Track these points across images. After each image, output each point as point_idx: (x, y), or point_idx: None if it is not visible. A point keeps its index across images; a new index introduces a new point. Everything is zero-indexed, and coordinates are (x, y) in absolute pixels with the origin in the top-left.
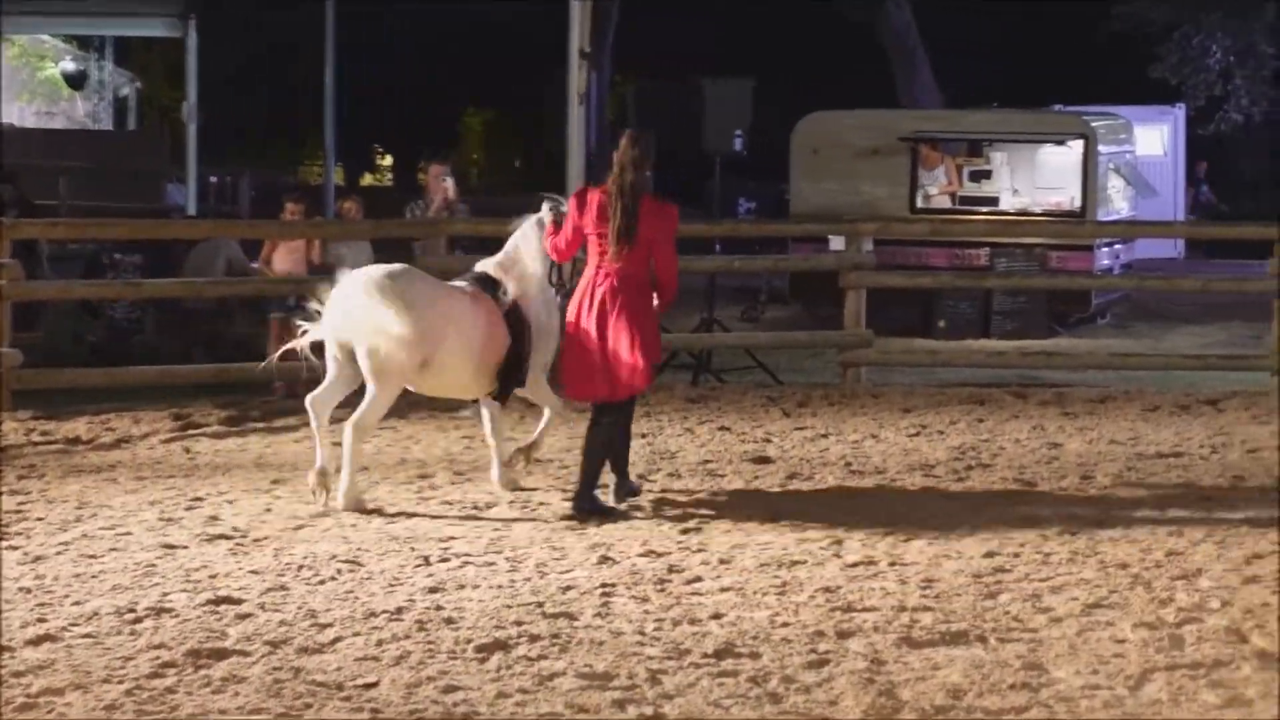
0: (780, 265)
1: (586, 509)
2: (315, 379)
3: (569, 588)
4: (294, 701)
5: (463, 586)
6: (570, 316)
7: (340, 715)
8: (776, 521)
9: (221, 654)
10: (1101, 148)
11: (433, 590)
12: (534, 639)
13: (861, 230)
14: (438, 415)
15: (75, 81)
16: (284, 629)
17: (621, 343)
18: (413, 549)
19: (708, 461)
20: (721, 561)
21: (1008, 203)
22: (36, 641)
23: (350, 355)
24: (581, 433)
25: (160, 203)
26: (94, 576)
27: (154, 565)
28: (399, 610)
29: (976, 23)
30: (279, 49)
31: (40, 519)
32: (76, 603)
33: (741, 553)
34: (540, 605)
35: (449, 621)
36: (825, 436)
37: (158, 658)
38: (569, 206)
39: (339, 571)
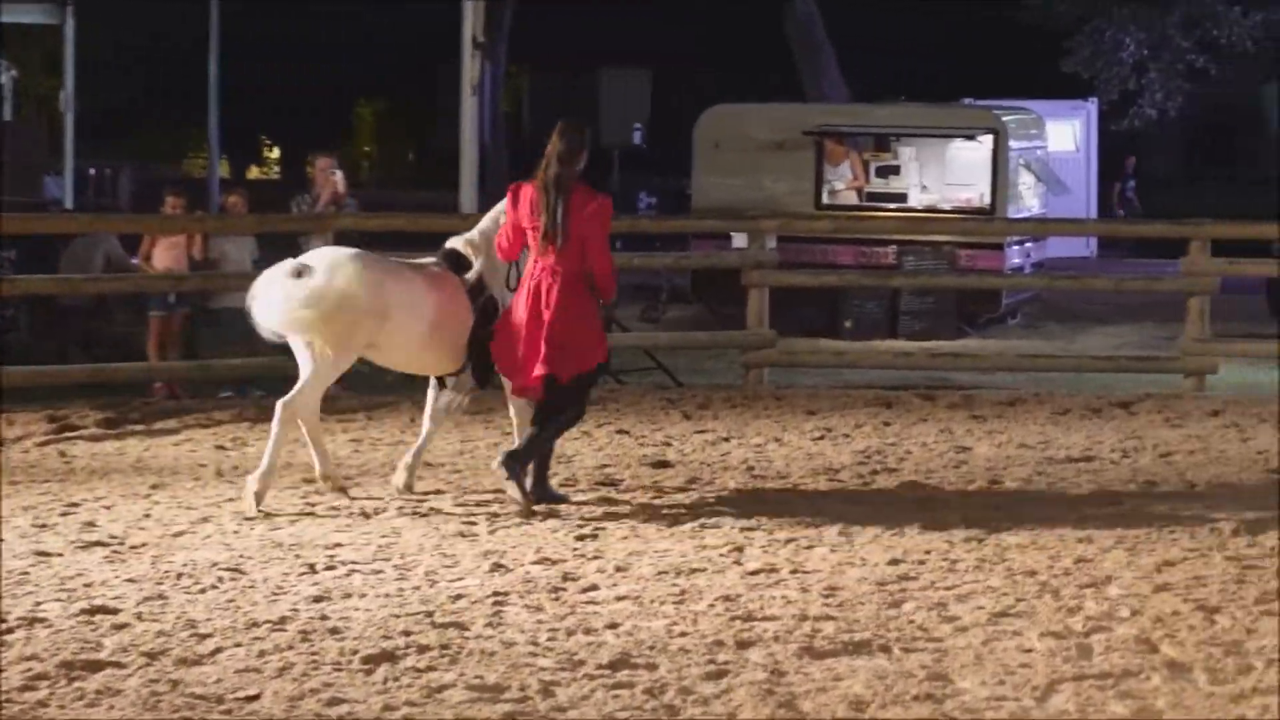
0: (681, 263)
1: (544, 498)
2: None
3: (460, 596)
4: (172, 715)
5: (349, 595)
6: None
7: None
8: (675, 528)
9: (96, 666)
10: (1012, 143)
11: (318, 599)
12: (423, 650)
13: (764, 227)
14: (325, 418)
15: None
16: (162, 640)
17: (556, 334)
18: (297, 556)
19: (605, 466)
20: (618, 569)
21: (916, 199)
22: None
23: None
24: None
25: (37, 195)
26: None
27: (27, 573)
28: (282, 620)
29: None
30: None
31: None
32: None
33: (639, 560)
34: (430, 615)
35: (334, 632)
36: (727, 440)
37: (29, 669)
38: (506, 202)
39: (220, 580)
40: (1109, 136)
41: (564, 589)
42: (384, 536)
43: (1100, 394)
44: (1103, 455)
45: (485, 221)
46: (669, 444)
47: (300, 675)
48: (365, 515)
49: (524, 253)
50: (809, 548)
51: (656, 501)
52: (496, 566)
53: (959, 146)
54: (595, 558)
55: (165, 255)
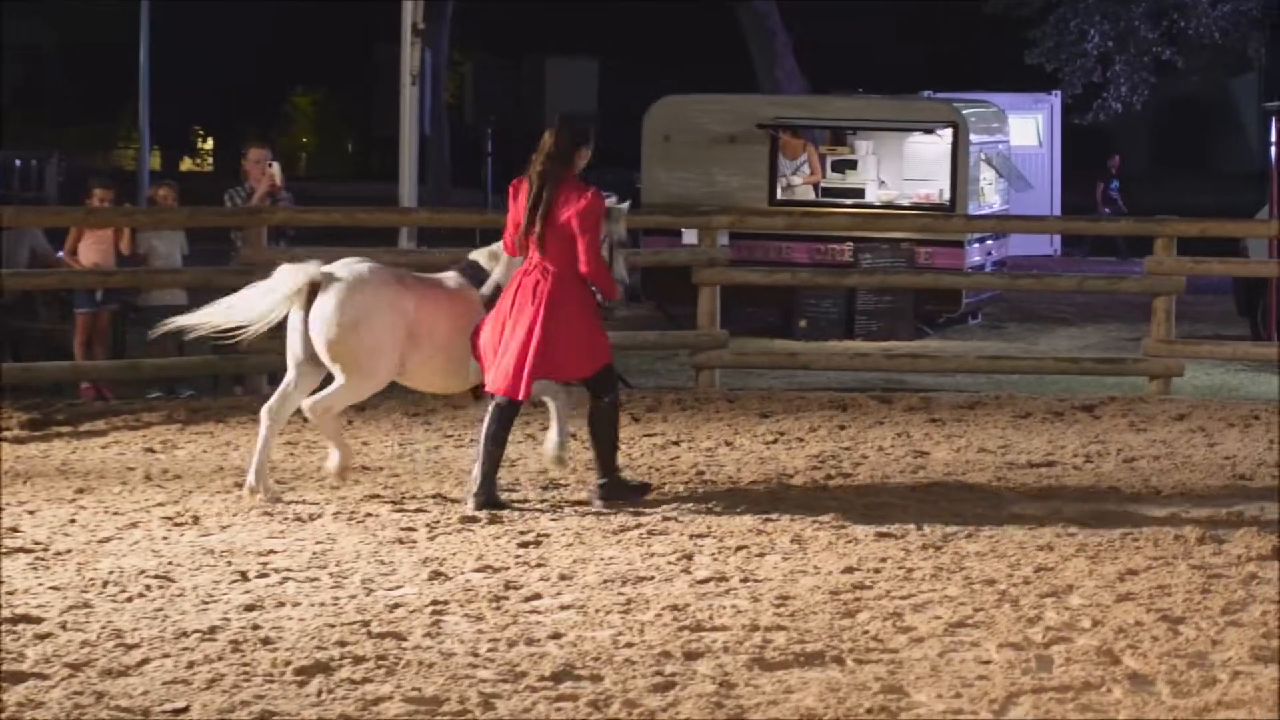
0: (629, 260)
1: (615, 496)
2: (125, 380)
3: (397, 605)
4: None
5: (282, 604)
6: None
7: None
8: (622, 535)
9: (18, 677)
10: (973, 137)
11: (249, 608)
12: (358, 660)
13: (716, 223)
14: (258, 420)
15: None
16: (86, 650)
17: (544, 336)
18: (229, 564)
19: (550, 470)
20: (562, 577)
21: (873, 195)
22: None
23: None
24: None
25: None
26: None
27: None
28: (212, 630)
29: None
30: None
31: None
32: None
33: (584, 568)
34: (366, 624)
35: (266, 642)
36: (676, 444)
37: None
38: (509, 198)
39: (148, 588)
40: (1073, 130)
41: (506, 598)
42: (319, 543)
43: (1063, 397)
44: (1065, 460)
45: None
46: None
47: (231, 687)
48: (300, 521)
49: None
50: (760, 555)
51: (603, 508)
52: (436, 574)
53: (918, 140)
54: (539, 565)
55: (92, 250)
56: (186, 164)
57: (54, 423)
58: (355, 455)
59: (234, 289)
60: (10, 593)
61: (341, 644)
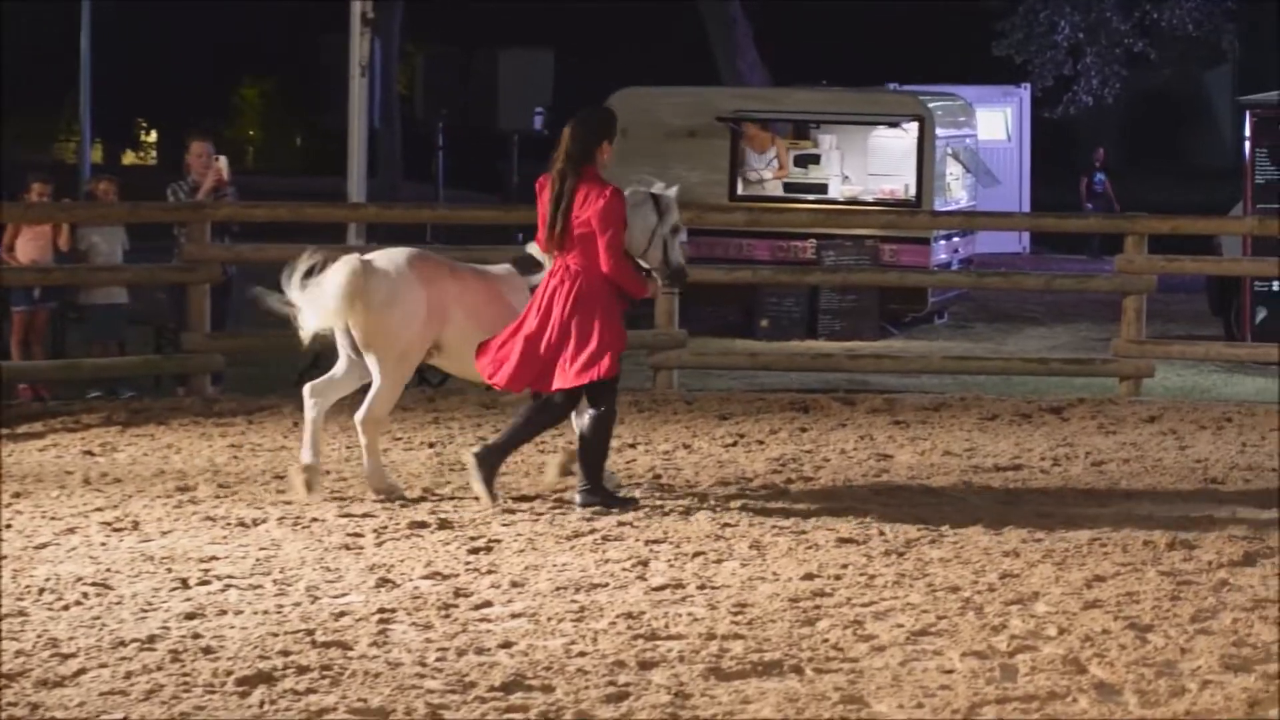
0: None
1: (598, 502)
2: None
3: (343, 614)
4: None
5: (224, 612)
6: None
7: None
8: (576, 540)
9: None
10: (939, 131)
11: (190, 616)
12: (302, 670)
13: None
14: (201, 422)
15: None
16: (21, 660)
17: (565, 338)
18: (169, 570)
19: (502, 474)
20: (513, 584)
21: (836, 190)
22: None
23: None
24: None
25: None
26: None
27: None
28: (151, 639)
29: None
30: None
31: None
32: None
33: (536, 575)
34: (310, 633)
35: (207, 651)
36: (633, 446)
37: None
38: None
39: (85, 595)
40: (1043, 125)
41: (455, 606)
42: (263, 549)
43: (1030, 398)
44: (1032, 464)
45: None
46: (543, 451)
47: (170, 698)
48: (243, 526)
49: None
50: (718, 562)
51: (556, 512)
52: (383, 581)
53: (882, 134)
54: (489, 572)
55: (30, 246)
56: (129, 157)
57: None
58: (388, 477)
59: (176, 286)
60: None
61: (285, 653)
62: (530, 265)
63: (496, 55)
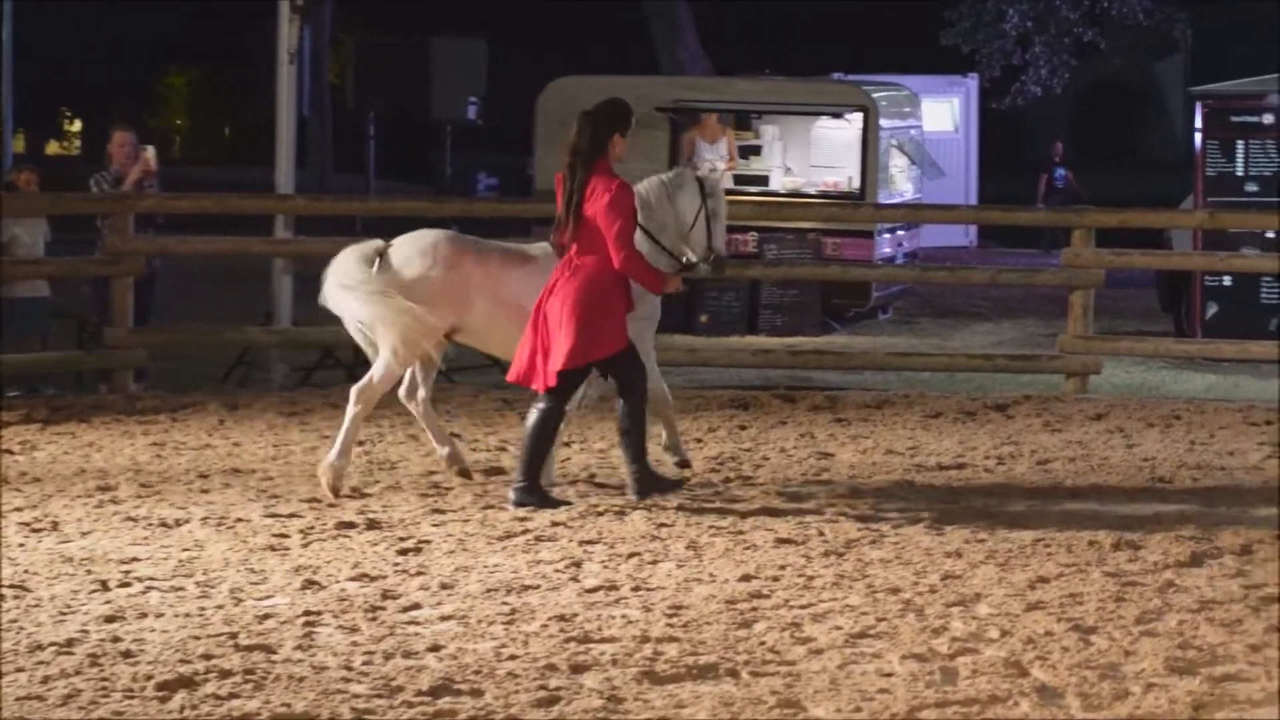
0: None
1: (526, 501)
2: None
3: (267, 616)
4: None
5: (145, 615)
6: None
7: None
8: (507, 541)
9: None
10: (883, 122)
11: (110, 619)
12: (225, 675)
13: None
14: (123, 419)
15: None
16: None
17: (551, 331)
18: (89, 572)
19: (432, 473)
20: (443, 586)
21: (778, 182)
22: None
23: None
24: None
25: None
26: None
27: None
28: (69, 642)
29: None
30: None
31: None
32: None
33: (466, 576)
34: (233, 636)
35: (127, 655)
36: (567, 445)
37: None
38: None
39: (1, 598)
40: (992, 115)
41: (383, 608)
42: (185, 550)
43: (975, 396)
44: (976, 462)
45: None
46: (504, 449)
47: (88, 703)
48: (166, 526)
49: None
50: (653, 563)
51: (488, 512)
52: (309, 583)
53: (825, 125)
54: (418, 574)
55: None
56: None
57: None
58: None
59: (99, 280)
60: None
61: (207, 657)
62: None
63: (429, 43)
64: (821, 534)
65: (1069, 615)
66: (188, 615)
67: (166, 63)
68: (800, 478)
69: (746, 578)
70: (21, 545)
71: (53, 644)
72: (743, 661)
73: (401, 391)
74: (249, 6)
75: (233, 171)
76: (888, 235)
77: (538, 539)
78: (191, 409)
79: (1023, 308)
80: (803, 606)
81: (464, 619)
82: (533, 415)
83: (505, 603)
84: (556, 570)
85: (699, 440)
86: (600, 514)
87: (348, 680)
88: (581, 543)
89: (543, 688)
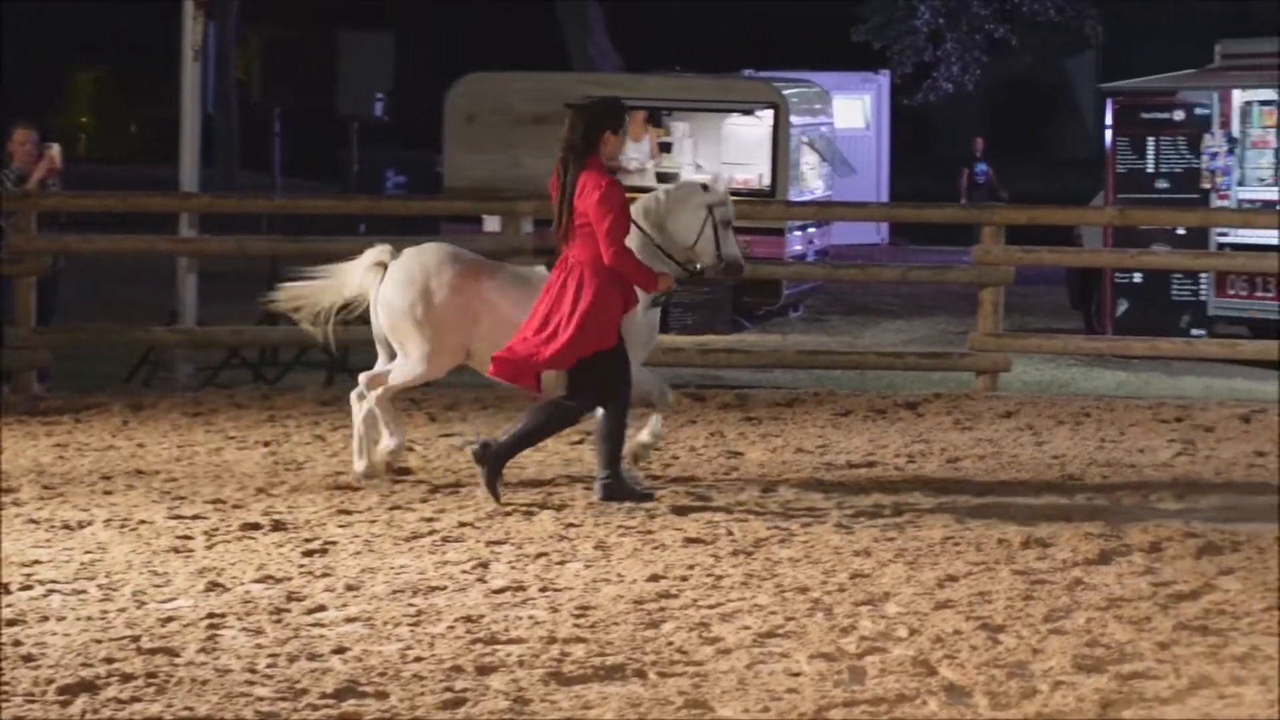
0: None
1: (616, 495)
2: None
3: (170, 619)
4: None
5: (46, 618)
6: None
7: None
8: (414, 542)
9: None
10: (794, 119)
11: (10, 623)
12: (127, 678)
13: (521, 209)
14: (26, 420)
15: None
16: None
17: (538, 328)
18: None
19: (339, 473)
20: (349, 588)
21: (689, 178)
22: None
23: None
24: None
25: None
26: None
27: None
28: None
29: None
30: None
31: None
32: None
33: (372, 578)
34: (136, 640)
35: (28, 659)
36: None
37: None
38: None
39: None
40: (903, 112)
41: (287, 610)
42: (88, 553)
43: (885, 394)
44: (886, 461)
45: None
46: (411, 449)
47: None
48: (68, 529)
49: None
50: (561, 563)
51: (395, 513)
52: (213, 585)
53: (736, 122)
54: (324, 575)
55: None
56: None
57: None
58: (404, 450)
59: (1, 278)
60: None
61: (109, 661)
62: None
63: (335, 39)
64: (730, 533)
65: (977, 614)
66: (90, 618)
67: (73, 60)
68: (709, 477)
69: (655, 578)
70: None
71: None
72: (650, 662)
73: (364, 375)
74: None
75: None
76: (798, 233)
77: (445, 540)
78: (95, 409)
79: (934, 305)
80: (711, 606)
81: (369, 621)
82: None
83: (411, 604)
84: (463, 571)
85: None
86: (508, 514)
87: (251, 683)
88: (489, 543)
89: (448, 690)
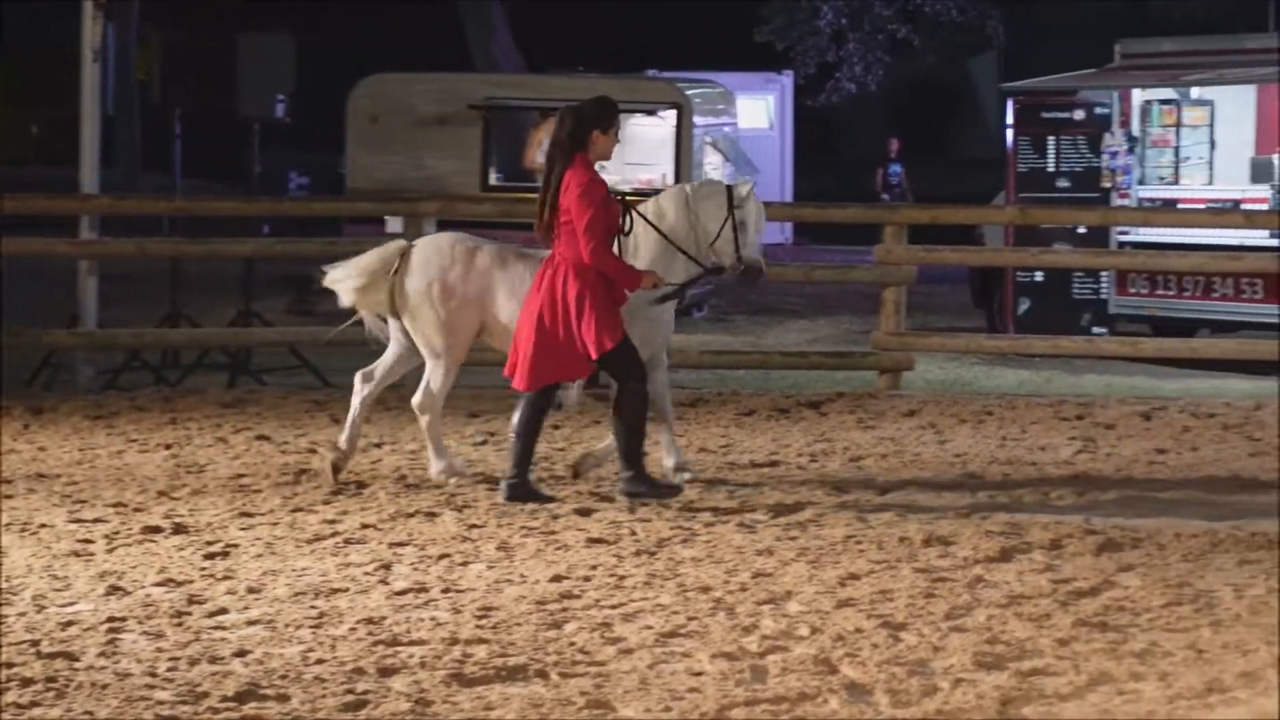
0: (330, 249)
1: (637, 491)
2: None
3: (70, 623)
4: None
5: None
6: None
7: None
8: (316, 544)
9: None
10: (697, 119)
11: None
12: (26, 683)
13: (423, 210)
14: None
15: None
16: None
17: (542, 332)
18: None
19: (241, 475)
20: (250, 591)
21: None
22: None
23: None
24: None
25: None
26: None
27: None
28: None
29: None
30: None
31: None
32: None
33: (274, 580)
34: (35, 644)
35: None
36: (379, 446)
37: None
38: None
39: None
40: (807, 113)
41: (189, 613)
42: None
43: (789, 393)
44: (789, 460)
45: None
46: (314, 451)
47: None
48: None
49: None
50: (464, 564)
51: (297, 515)
52: (114, 589)
53: (639, 123)
54: (225, 578)
55: None
56: None
57: None
58: (461, 464)
59: None
60: None
61: (8, 665)
62: None
63: (235, 40)
64: (633, 533)
65: (879, 612)
66: None
67: None
68: (613, 477)
69: (558, 578)
70: None
71: None
72: (552, 662)
73: (360, 372)
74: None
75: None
76: None
77: (347, 542)
78: None
79: (838, 305)
80: (613, 606)
81: (271, 623)
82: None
83: (313, 606)
84: (366, 573)
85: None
86: (410, 515)
87: (152, 687)
88: (391, 545)
89: (350, 691)
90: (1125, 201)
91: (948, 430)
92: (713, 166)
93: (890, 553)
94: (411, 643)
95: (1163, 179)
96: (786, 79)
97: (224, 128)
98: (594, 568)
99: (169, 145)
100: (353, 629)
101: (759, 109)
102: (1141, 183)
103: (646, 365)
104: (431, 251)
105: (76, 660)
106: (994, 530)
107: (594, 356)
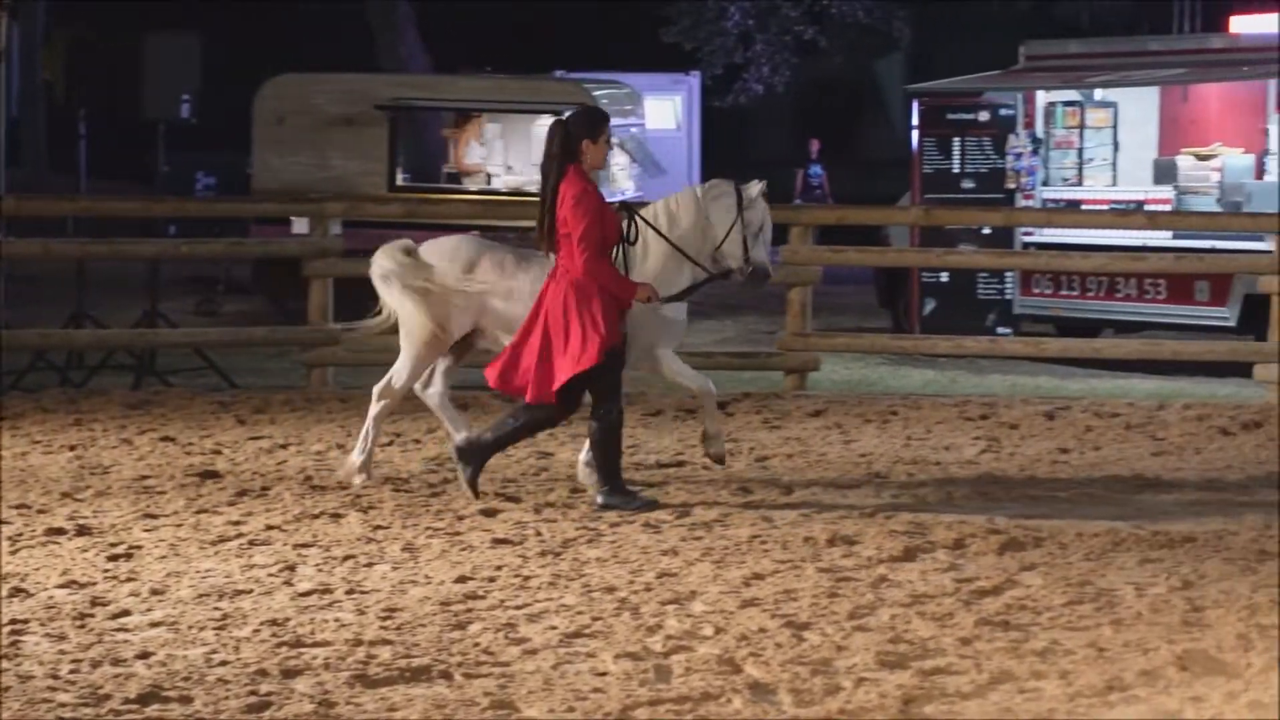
0: (236, 250)
1: (614, 503)
2: None
3: None
4: None
5: None
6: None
7: None
8: (221, 546)
9: None
10: None
11: None
12: None
13: (329, 211)
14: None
15: None
16: None
17: (534, 344)
18: None
19: (146, 477)
20: (154, 592)
21: (500, 181)
22: None
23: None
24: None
25: None
26: None
27: None
28: None
29: None
30: None
31: None
32: None
33: (177, 582)
34: None
35: None
36: (284, 447)
37: None
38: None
39: None
40: (716, 114)
41: (91, 615)
42: None
43: (695, 394)
44: (695, 460)
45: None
46: (219, 452)
47: None
48: None
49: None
50: (369, 565)
51: (201, 517)
52: (16, 591)
53: (546, 124)
54: (129, 580)
55: None
56: None
57: None
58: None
59: None
60: None
61: None
62: None
63: (140, 40)
64: (539, 534)
65: (783, 611)
66: None
67: None
68: (519, 477)
69: (462, 579)
70: None
71: None
72: (456, 663)
73: (418, 385)
74: None
75: None
76: None
77: (251, 543)
78: None
79: (744, 305)
80: (518, 607)
81: (174, 625)
82: (592, 426)
83: (217, 608)
84: (270, 574)
85: (417, 441)
86: (315, 517)
87: (54, 689)
88: (296, 546)
89: (253, 693)
90: (1030, 202)
91: (853, 430)
92: (619, 167)
93: (795, 552)
94: (315, 644)
95: (1067, 180)
96: (694, 80)
97: (130, 128)
98: (499, 568)
99: (75, 146)
100: (256, 630)
101: (666, 110)
102: (1046, 184)
103: (661, 357)
104: (433, 253)
105: None
106: (898, 530)
107: (575, 371)
